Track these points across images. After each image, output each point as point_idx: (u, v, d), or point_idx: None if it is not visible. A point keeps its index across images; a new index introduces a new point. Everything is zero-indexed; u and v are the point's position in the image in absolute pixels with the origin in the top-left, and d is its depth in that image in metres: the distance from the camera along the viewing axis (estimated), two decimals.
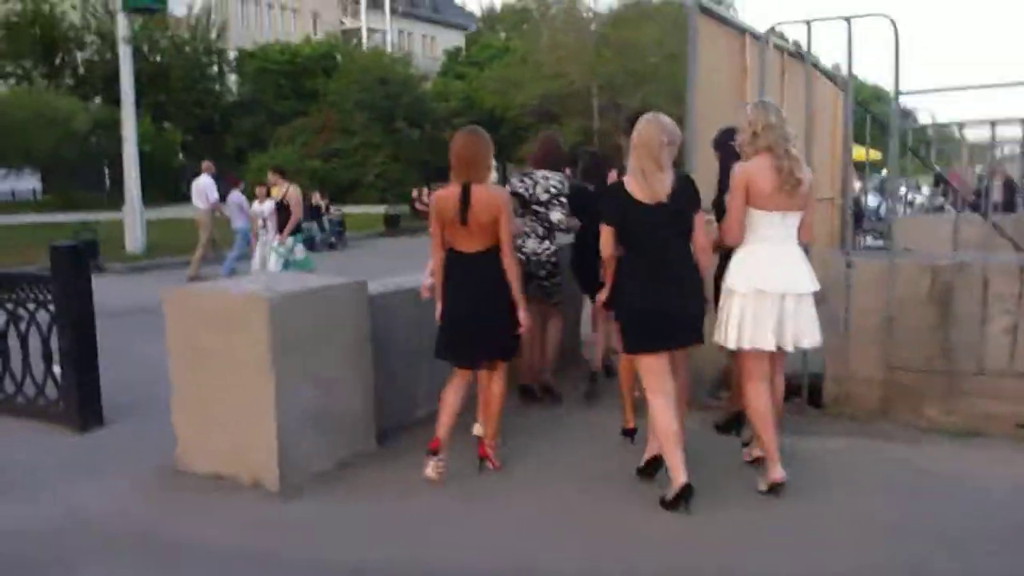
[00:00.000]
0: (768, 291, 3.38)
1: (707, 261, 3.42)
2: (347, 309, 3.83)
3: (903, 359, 4.33)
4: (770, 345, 3.39)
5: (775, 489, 3.44)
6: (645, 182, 3.36)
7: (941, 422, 4.25)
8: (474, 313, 3.62)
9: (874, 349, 4.39)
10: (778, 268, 3.40)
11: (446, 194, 3.65)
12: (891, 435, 4.18)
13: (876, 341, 4.38)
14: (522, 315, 3.64)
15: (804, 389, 4.53)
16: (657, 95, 26.83)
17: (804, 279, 3.44)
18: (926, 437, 4.14)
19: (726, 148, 3.86)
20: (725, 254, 3.58)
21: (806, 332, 3.44)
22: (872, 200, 13.35)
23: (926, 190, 15.16)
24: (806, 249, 3.50)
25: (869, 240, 10.48)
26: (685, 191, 3.38)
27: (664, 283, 3.35)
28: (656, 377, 3.38)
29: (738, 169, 3.43)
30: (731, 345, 3.44)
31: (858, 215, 10.42)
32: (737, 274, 3.46)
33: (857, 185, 15.01)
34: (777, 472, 3.42)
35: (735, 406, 3.96)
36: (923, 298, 4.31)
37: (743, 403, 3.57)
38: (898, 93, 4.36)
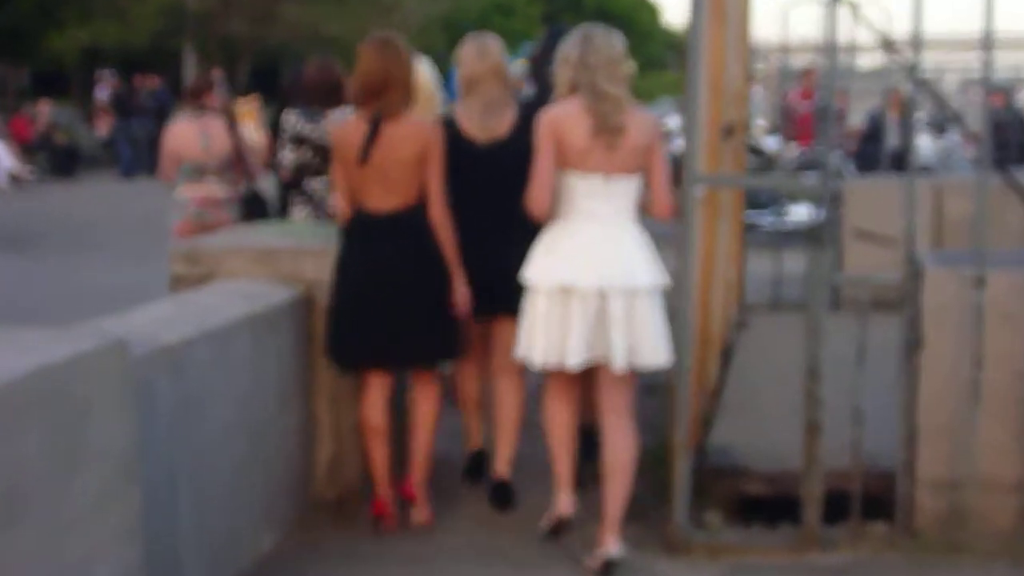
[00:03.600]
0: (579, 287, 4.20)
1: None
2: (100, 407, 3.10)
3: None
4: (575, 359, 4.22)
5: (607, 569, 4.28)
6: (482, 115, 4.74)
7: None
8: (393, 298, 4.43)
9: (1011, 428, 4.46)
10: (597, 254, 4.23)
11: (346, 130, 4.49)
12: None
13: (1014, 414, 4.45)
14: (460, 292, 4.53)
15: (899, 511, 4.54)
16: None
17: (638, 270, 4.27)
18: None
19: (543, 67, 5.04)
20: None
21: (645, 346, 4.25)
22: (773, 142, 14.25)
23: (674, 120, 16.60)
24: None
25: (797, 213, 11.05)
26: (531, 128, 4.35)
27: (489, 241, 4.57)
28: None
29: (543, 116, 4.31)
30: (536, 360, 4.33)
31: None
32: (540, 263, 4.31)
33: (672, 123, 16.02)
34: (611, 544, 4.30)
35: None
36: None
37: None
38: None
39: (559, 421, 4.51)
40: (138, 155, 21.40)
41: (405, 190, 4.44)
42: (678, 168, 5.06)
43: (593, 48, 4.34)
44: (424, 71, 5.77)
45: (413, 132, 4.45)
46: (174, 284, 4.92)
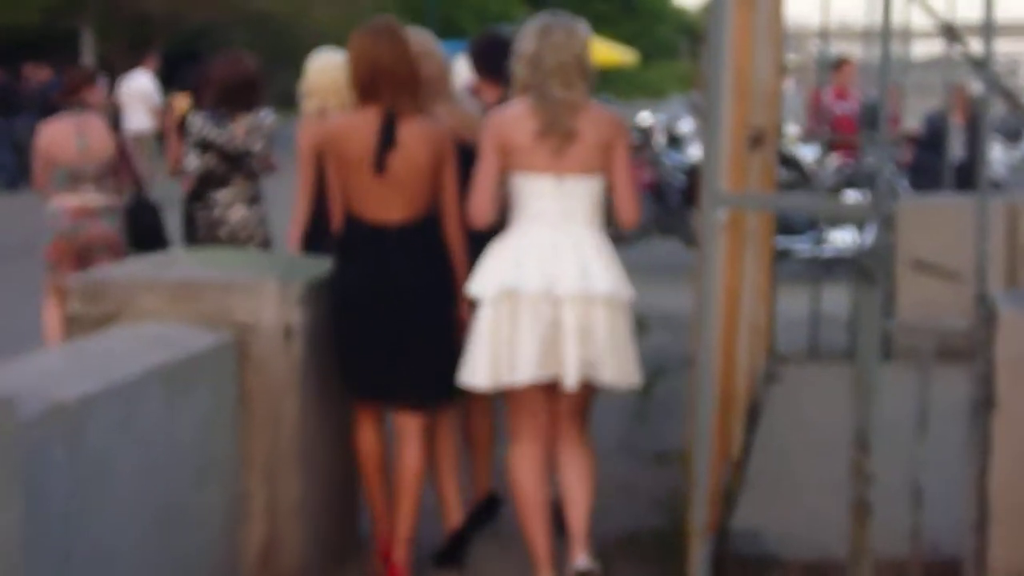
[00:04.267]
0: (526, 291, 4.66)
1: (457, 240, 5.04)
2: None
3: None
4: (524, 373, 4.68)
5: None
6: (464, 114, 5.43)
7: None
8: (394, 322, 4.87)
9: None
10: (546, 257, 4.71)
11: (349, 125, 4.91)
12: None
13: None
14: (465, 312, 4.98)
15: None
16: None
17: (595, 276, 4.70)
18: None
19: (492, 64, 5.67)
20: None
21: (607, 361, 4.69)
22: (810, 152, 14.33)
23: (687, 124, 16.67)
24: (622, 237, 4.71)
25: (839, 240, 11.11)
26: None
27: None
28: None
29: (489, 121, 4.94)
30: (477, 381, 4.77)
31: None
32: (484, 270, 4.80)
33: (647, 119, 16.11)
34: (580, 559, 4.77)
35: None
36: None
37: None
38: None
39: (527, 486, 4.84)
40: (24, 163, 21.30)
41: (416, 199, 4.90)
42: (694, 184, 5.03)
43: (550, 44, 4.78)
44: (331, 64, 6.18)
45: (429, 134, 4.92)
46: (70, 326, 4.94)
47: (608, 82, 38.89)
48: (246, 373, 4.79)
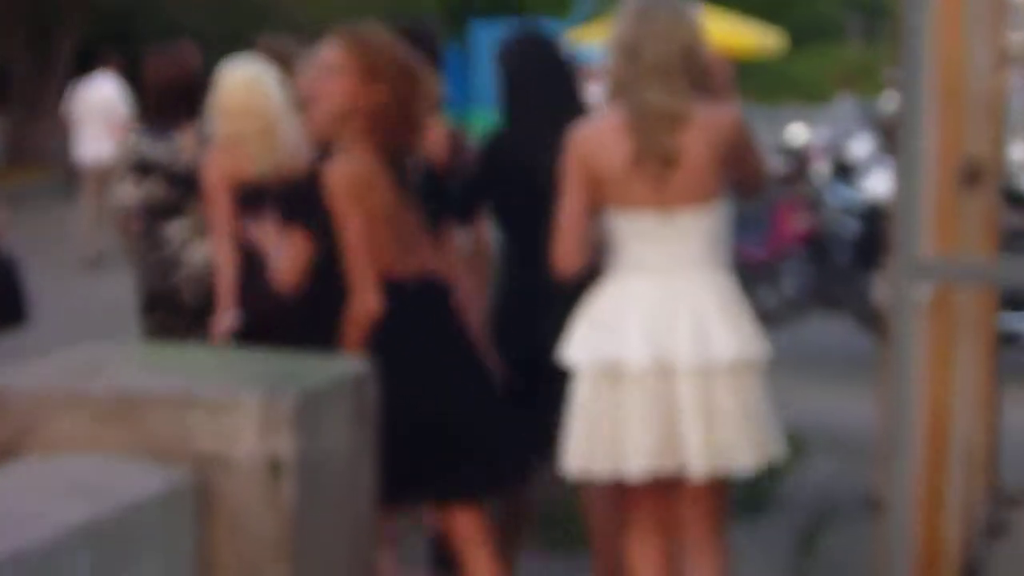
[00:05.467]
0: (629, 365, 5.25)
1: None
2: None
3: None
4: (638, 464, 5.22)
5: None
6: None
7: None
8: (463, 395, 5.67)
9: None
10: (652, 318, 5.24)
11: (367, 172, 5.52)
12: None
13: None
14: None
15: None
16: None
17: (716, 338, 5.22)
18: None
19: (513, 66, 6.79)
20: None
21: (738, 440, 5.18)
22: None
23: (863, 145, 16.64)
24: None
25: None
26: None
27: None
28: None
29: (572, 137, 5.48)
30: (572, 470, 5.48)
31: None
32: (579, 337, 5.44)
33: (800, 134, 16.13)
34: None
35: None
36: None
37: None
38: None
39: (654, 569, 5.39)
40: None
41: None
42: (874, 234, 4.92)
43: (651, 32, 5.07)
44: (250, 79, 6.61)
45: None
46: None
47: (742, 78, 38.95)
48: (212, 529, 4.78)
